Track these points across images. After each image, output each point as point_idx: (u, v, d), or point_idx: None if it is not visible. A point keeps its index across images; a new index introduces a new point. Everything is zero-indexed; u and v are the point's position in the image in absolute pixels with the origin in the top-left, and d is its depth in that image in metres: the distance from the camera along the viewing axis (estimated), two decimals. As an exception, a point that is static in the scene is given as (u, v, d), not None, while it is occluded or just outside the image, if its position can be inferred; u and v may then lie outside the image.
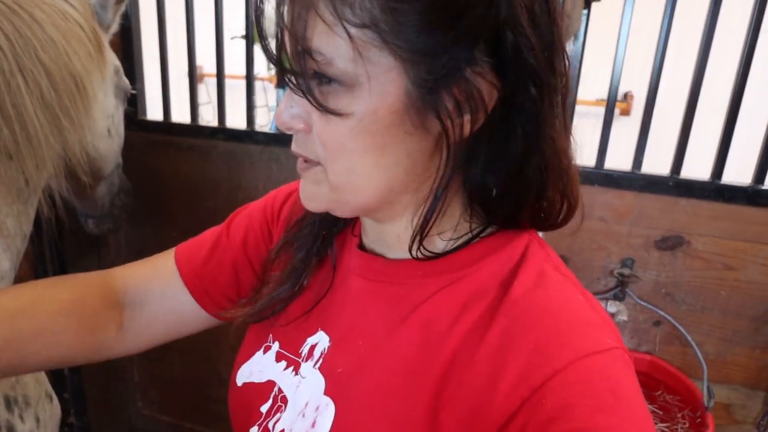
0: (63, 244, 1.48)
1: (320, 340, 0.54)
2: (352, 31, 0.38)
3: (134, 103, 1.51)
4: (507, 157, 0.43)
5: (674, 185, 1.17)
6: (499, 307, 0.44)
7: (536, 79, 0.40)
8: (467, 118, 0.41)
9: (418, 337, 0.47)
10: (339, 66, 0.39)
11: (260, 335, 0.60)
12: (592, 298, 0.46)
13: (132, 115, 1.51)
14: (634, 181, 1.19)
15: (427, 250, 0.47)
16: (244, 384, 0.58)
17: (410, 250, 0.47)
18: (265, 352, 0.58)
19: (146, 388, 1.80)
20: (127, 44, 1.45)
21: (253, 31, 1.34)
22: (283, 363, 0.55)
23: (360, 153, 0.42)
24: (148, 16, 1.48)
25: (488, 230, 0.49)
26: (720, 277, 1.20)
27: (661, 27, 1.13)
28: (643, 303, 1.24)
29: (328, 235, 0.58)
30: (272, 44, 0.41)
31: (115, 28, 1.23)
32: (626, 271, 1.24)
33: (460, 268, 0.47)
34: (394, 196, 0.46)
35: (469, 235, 0.48)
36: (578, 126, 0.48)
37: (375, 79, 0.39)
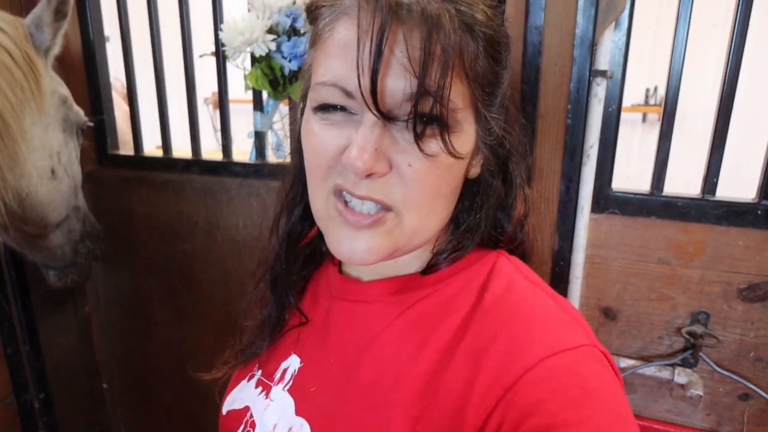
0: (29, 296, 1.31)
1: (291, 363, 0.57)
2: (472, 84, 0.45)
3: (104, 136, 1.33)
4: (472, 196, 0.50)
5: (764, 214, 0.86)
6: (472, 316, 0.47)
7: (509, 130, 0.50)
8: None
9: (392, 351, 0.49)
10: (458, 113, 0.45)
11: (248, 364, 0.63)
12: (562, 300, 0.49)
13: (102, 150, 1.34)
14: (706, 210, 0.89)
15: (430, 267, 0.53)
16: (228, 412, 0.60)
17: (424, 271, 0.53)
18: (249, 380, 0.60)
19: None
20: (91, 69, 1.28)
21: (223, 48, 1.13)
22: (260, 389, 0.58)
23: (447, 194, 0.48)
24: (115, 35, 1.31)
25: (455, 254, 0.52)
26: (834, 336, 0.88)
27: (735, 22, 0.84)
28: (723, 372, 0.93)
29: (300, 276, 0.63)
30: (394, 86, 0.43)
31: (56, 50, 1.05)
32: (699, 329, 0.93)
33: (430, 285, 0.51)
34: None
35: (436, 258, 0.52)
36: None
37: (469, 125, 0.47)
